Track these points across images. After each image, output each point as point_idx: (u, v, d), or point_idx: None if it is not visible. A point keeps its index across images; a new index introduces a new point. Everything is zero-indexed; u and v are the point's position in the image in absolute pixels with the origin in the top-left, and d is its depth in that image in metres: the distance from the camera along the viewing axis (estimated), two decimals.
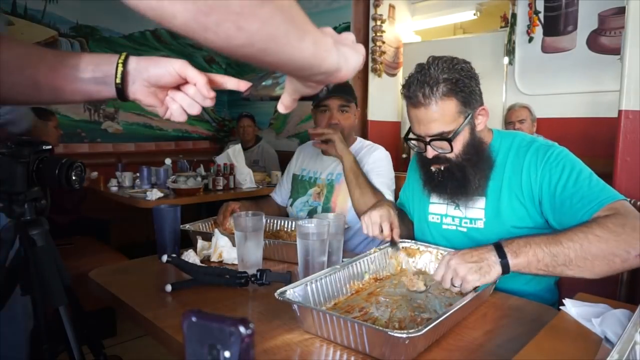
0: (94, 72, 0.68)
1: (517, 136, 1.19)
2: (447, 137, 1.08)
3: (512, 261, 0.89)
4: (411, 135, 1.16)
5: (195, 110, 0.69)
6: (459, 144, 1.11)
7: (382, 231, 1.14)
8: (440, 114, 1.06)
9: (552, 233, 0.94)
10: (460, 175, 1.12)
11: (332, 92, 1.65)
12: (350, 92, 1.70)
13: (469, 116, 1.09)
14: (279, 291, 0.85)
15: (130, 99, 0.69)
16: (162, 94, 0.69)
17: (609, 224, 0.90)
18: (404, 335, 0.68)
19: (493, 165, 1.15)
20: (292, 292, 0.87)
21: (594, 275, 0.89)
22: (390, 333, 0.69)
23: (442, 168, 1.14)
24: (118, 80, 0.67)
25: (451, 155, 1.11)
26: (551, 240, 0.90)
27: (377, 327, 0.76)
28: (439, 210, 1.26)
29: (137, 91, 0.68)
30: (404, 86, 1.12)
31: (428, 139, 1.10)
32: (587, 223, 0.93)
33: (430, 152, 1.12)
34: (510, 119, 2.80)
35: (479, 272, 0.88)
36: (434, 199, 1.26)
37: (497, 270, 0.89)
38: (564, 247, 0.88)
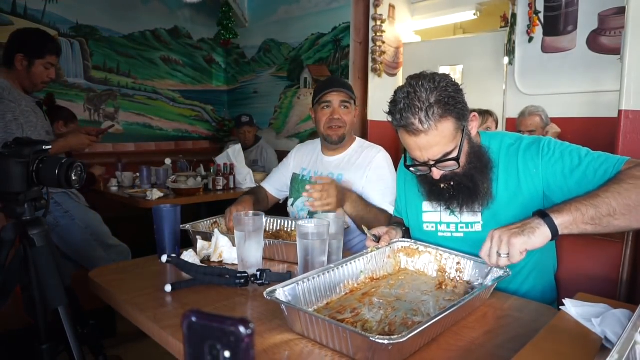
0: None
1: (504, 136, 1.20)
2: (453, 157, 1.07)
3: (558, 220, 0.88)
4: (413, 162, 1.13)
5: None
6: (463, 157, 1.10)
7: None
8: (441, 136, 1.04)
9: (584, 193, 0.94)
10: (472, 185, 1.12)
11: (334, 86, 1.59)
12: (351, 89, 1.66)
13: (465, 128, 1.09)
14: (268, 290, 0.83)
15: None
16: None
17: (636, 173, 0.91)
18: (386, 342, 0.66)
19: (493, 164, 1.15)
20: (282, 291, 0.85)
21: None
22: (372, 339, 0.67)
23: (452, 183, 1.12)
24: None
25: (458, 170, 1.10)
26: (587, 196, 0.91)
27: (360, 332, 0.73)
28: (433, 218, 1.25)
29: None
30: (391, 112, 1.07)
31: (433, 162, 1.08)
32: (613, 178, 0.95)
33: (437, 174, 1.10)
34: (519, 128, 2.67)
35: (523, 233, 0.87)
36: (427, 207, 1.25)
37: (543, 231, 0.88)
38: (603, 198, 0.89)
